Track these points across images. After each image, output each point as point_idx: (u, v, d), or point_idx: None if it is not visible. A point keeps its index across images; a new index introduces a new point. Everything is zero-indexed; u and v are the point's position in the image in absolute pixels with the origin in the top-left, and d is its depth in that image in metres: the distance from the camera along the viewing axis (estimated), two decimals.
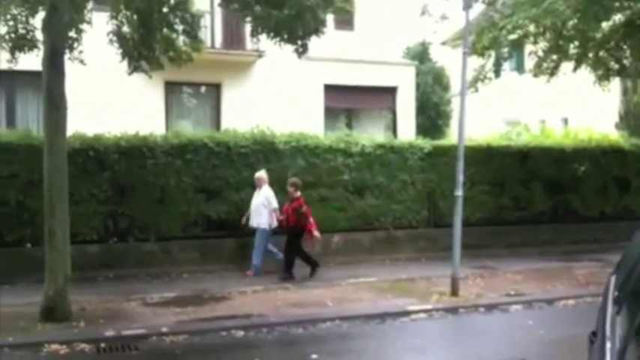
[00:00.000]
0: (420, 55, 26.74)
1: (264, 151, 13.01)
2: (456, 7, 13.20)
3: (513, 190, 15.23)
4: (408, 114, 18.84)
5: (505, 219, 15.14)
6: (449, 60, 27.20)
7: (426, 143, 14.71)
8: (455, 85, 23.91)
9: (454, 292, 9.93)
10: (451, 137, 20.14)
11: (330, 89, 17.77)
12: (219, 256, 12.54)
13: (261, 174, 12.06)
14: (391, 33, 18.64)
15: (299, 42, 10.14)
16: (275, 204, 11.84)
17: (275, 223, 11.87)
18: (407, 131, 18.02)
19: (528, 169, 15.34)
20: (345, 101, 18.12)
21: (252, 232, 11.92)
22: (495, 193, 15.08)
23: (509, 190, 15.19)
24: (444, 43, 28.03)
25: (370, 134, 15.38)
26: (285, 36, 9.95)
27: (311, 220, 11.66)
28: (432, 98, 25.94)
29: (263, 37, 10.29)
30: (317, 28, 9.87)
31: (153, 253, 12.19)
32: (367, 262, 13.24)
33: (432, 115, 25.70)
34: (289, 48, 10.32)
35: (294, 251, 11.69)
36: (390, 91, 18.70)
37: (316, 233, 11.69)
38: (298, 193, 11.74)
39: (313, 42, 10.32)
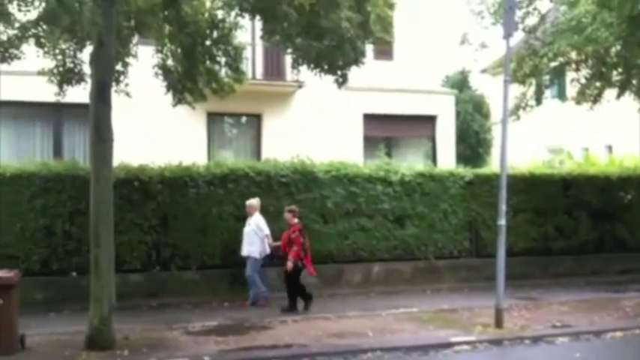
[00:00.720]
0: (460, 84, 26.60)
1: (304, 181, 13.09)
2: (495, 35, 13.21)
3: (557, 219, 14.95)
4: (447, 142, 18.75)
5: (549, 248, 14.87)
6: (489, 88, 27.03)
7: (467, 171, 14.60)
8: (495, 113, 23.72)
9: (498, 323, 9.72)
10: (492, 165, 19.94)
11: (370, 118, 17.83)
12: None
13: (252, 201, 11.94)
14: (430, 62, 18.64)
15: (339, 72, 10.27)
16: (266, 230, 11.72)
17: (267, 251, 11.70)
18: (447, 159, 17.91)
19: (572, 198, 15.06)
20: (385, 130, 18.14)
21: (243, 262, 11.75)
22: (539, 223, 14.83)
23: (553, 219, 14.93)
24: (483, 71, 27.92)
25: (410, 163, 15.34)
26: (325, 67, 10.08)
27: (295, 248, 10.94)
28: (472, 126, 25.71)
29: (303, 67, 10.43)
30: (357, 58, 9.97)
31: (195, 281, 12.30)
32: (408, 292, 13.12)
33: (472, 143, 25.45)
34: (329, 78, 10.43)
35: (294, 283, 11.25)
36: (430, 120, 18.66)
37: (289, 263, 10.92)
38: (295, 220, 11.34)
39: (352, 72, 10.42)
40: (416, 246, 13.84)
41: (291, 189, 12.97)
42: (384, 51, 17.11)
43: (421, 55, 18.14)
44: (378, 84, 17.30)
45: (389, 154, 17.13)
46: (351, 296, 12.62)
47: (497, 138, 21.81)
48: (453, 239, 14.17)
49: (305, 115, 17.12)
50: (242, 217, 12.59)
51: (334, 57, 9.78)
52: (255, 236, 11.69)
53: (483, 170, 15.65)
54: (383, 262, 13.62)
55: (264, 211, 12.54)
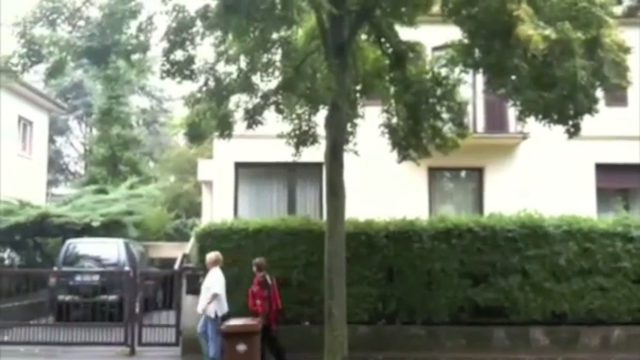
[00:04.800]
0: None
1: (532, 236, 12.50)
2: None
3: None
4: None
5: None
6: None
7: None
8: None
9: None
10: None
11: (603, 169, 16.64)
12: (487, 345, 12.13)
13: (210, 255, 11.05)
14: None
15: (570, 122, 9.81)
16: (214, 289, 10.54)
17: (221, 311, 10.63)
18: None
19: None
20: (621, 181, 16.78)
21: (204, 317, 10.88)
22: None
23: None
24: None
25: None
26: (555, 117, 9.70)
27: (258, 302, 10.53)
28: None
29: (530, 119, 10.14)
30: (590, 107, 9.47)
31: (419, 337, 12.22)
32: None
33: None
34: (558, 129, 10.01)
35: (271, 340, 10.64)
36: None
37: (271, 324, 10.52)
38: (261, 273, 10.85)
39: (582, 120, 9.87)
40: None
41: (518, 245, 12.45)
42: (617, 97, 15.93)
43: None
44: (611, 132, 16.15)
45: (627, 207, 15.76)
46: None
47: None
48: None
49: (530, 167, 16.52)
50: (467, 274, 12.38)
51: (565, 106, 9.39)
52: (210, 293, 10.76)
53: None
54: (624, 325, 12.38)
55: (492, 269, 12.22)
